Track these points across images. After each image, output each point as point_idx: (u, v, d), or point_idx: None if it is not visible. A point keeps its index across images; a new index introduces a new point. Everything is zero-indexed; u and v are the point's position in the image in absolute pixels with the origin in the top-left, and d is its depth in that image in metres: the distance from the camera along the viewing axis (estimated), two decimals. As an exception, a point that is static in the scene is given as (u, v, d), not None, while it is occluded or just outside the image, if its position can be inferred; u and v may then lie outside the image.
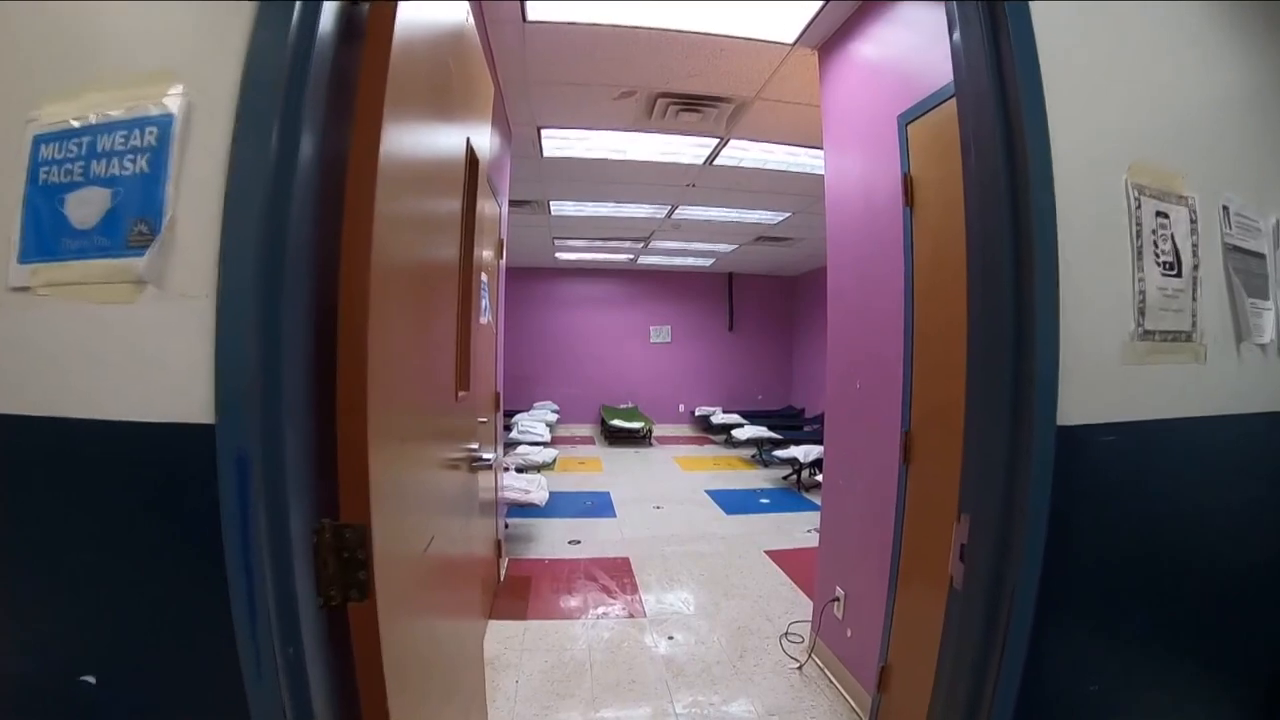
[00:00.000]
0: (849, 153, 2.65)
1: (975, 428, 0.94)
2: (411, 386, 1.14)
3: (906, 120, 2.22)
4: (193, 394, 0.85)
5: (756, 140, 4.18)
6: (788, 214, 6.19)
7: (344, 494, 0.95)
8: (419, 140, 1.16)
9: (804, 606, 3.38)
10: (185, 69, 0.91)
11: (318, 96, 0.89)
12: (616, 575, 3.85)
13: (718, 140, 4.18)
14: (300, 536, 0.88)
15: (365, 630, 0.99)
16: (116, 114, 0.92)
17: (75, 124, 0.93)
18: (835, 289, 2.71)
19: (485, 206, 2.96)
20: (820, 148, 4.28)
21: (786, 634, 3.06)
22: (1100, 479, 0.96)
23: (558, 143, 4.29)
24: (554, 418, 8.89)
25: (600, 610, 3.35)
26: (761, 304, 10.79)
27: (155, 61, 0.93)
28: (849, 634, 2.54)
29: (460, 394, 1.57)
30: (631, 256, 9.06)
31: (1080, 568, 0.96)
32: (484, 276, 2.83)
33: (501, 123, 3.67)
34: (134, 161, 0.92)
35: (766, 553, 4.29)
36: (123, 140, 0.93)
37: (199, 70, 0.90)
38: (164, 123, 0.91)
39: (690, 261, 9.45)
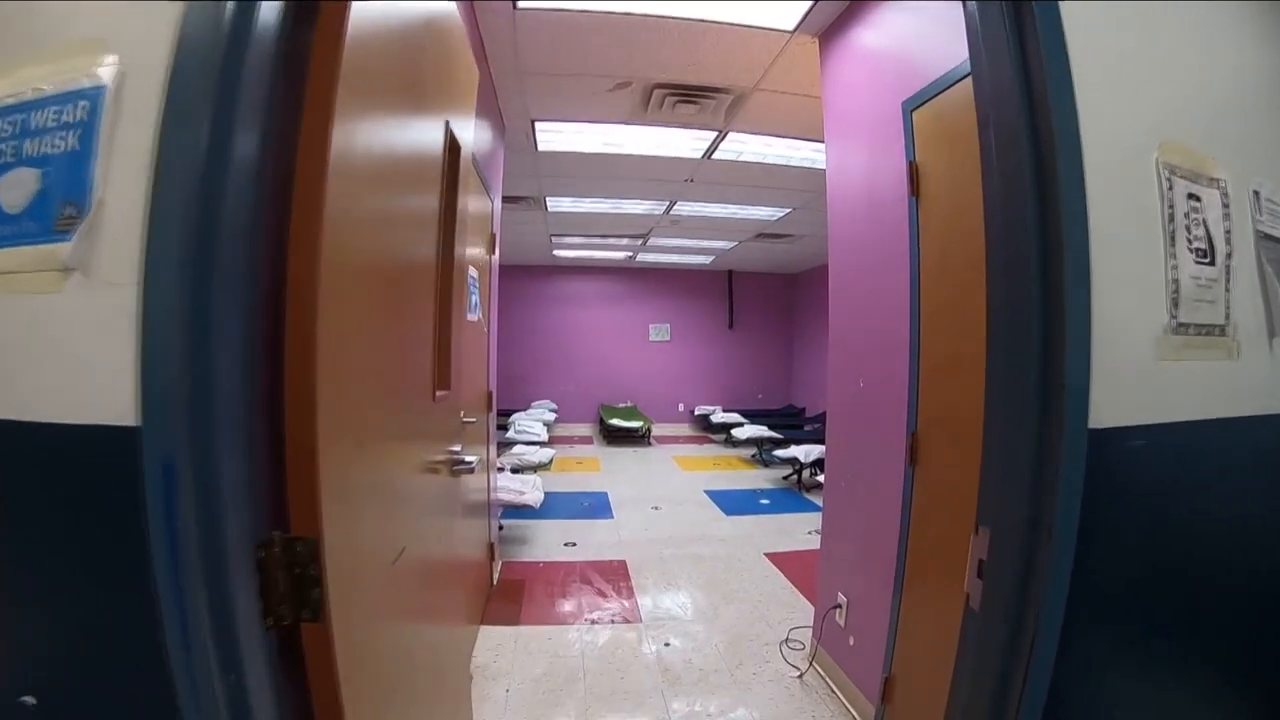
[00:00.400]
0: (851, 142, 2.56)
1: (996, 433, 0.85)
2: (375, 386, 1.05)
3: (911, 107, 2.12)
4: (119, 393, 0.76)
5: (756, 133, 4.08)
6: (788, 210, 6.10)
7: (293, 505, 0.86)
8: (385, 128, 1.07)
9: (805, 611, 3.29)
10: (118, 38, 0.82)
11: (260, 73, 0.80)
12: (612, 579, 3.76)
13: (716, 133, 4.08)
14: (239, 552, 0.79)
15: (320, 652, 0.90)
16: (49, 88, 0.84)
17: (10, 101, 0.85)
18: (837, 284, 2.61)
19: (475, 201, 2.87)
20: (821, 140, 4.21)
21: (787, 640, 2.97)
22: (1131, 488, 0.87)
23: (552, 136, 4.20)
24: (552, 417, 8.80)
25: (595, 615, 3.26)
26: (762, 302, 10.69)
27: (88, 30, 0.84)
28: (851, 642, 2.45)
29: (439, 394, 1.48)
30: (630, 254, 8.96)
31: (1109, 586, 0.86)
32: (473, 272, 2.74)
33: (494, 115, 3.58)
34: (64, 139, 0.83)
35: (766, 555, 4.20)
36: (55, 116, 0.84)
37: (133, 39, 0.82)
38: (95, 95, 0.82)
39: (689, 259, 9.36)
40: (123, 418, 0.76)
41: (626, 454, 8.17)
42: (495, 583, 3.63)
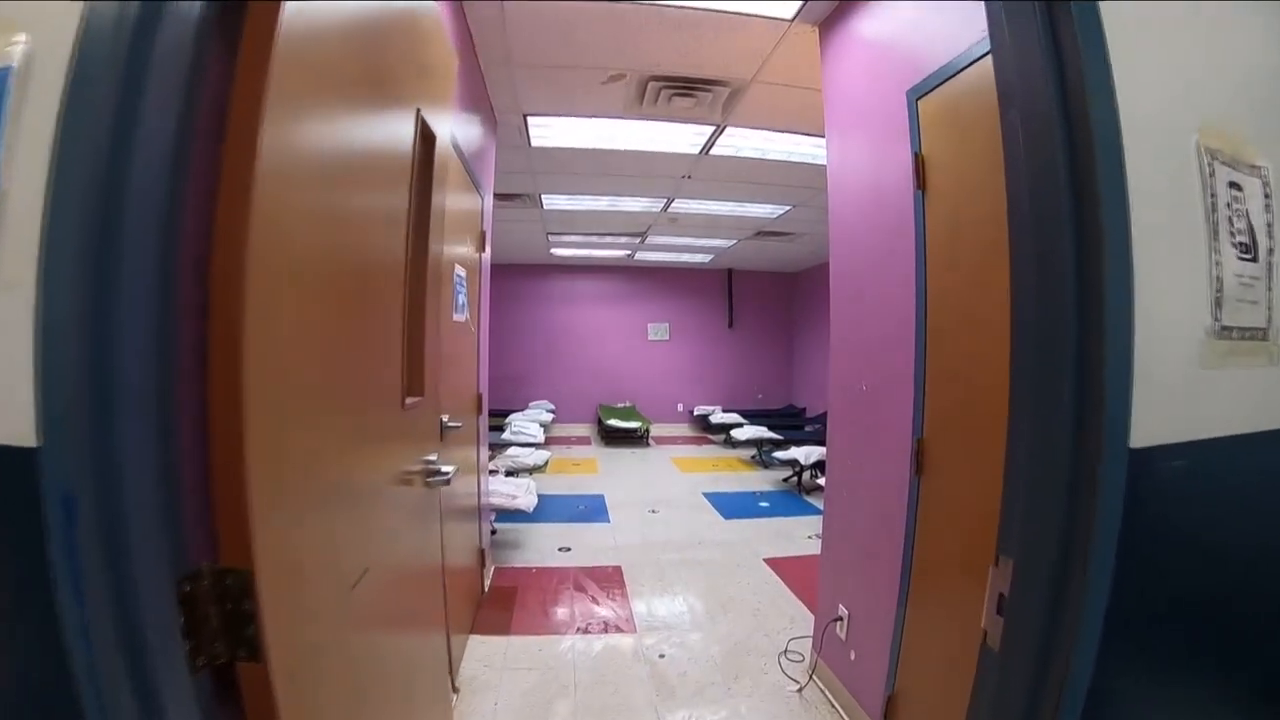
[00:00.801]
0: (852, 135, 2.46)
1: (1022, 453, 0.75)
2: (327, 396, 0.95)
3: (917, 95, 2.02)
4: (17, 409, 0.66)
5: (754, 128, 3.98)
6: (788, 207, 5.99)
7: (223, 534, 0.76)
8: (337, 115, 0.97)
9: (805, 621, 3.19)
10: (27, 15, 0.73)
11: (178, 54, 0.70)
12: (607, 586, 3.66)
13: (714, 128, 3.98)
14: (158, 588, 0.69)
15: (258, 694, 0.80)
16: (-40, 71, 0.74)
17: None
18: (838, 282, 2.51)
19: (463, 198, 2.77)
20: (822, 135, 4.10)
21: (786, 652, 2.87)
22: (1172, 513, 0.77)
23: (546, 131, 4.10)
24: (549, 417, 8.70)
25: (589, 624, 3.16)
26: (762, 301, 10.59)
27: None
28: (853, 656, 2.35)
29: (410, 401, 1.38)
30: (628, 252, 8.86)
31: (1147, 625, 0.76)
32: (460, 271, 2.64)
33: (484, 110, 3.48)
34: (-29, 125, 0.74)
35: (766, 561, 4.10)
36: (-35, 100, 0.74)
37: (43, 16, 0.72)
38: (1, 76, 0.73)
39: (688, 258, 9.25)
40: (23, 438, 0.66)
41: (624, 455, 8.07)
42: (486, 590, 3.54)
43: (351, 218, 1.04)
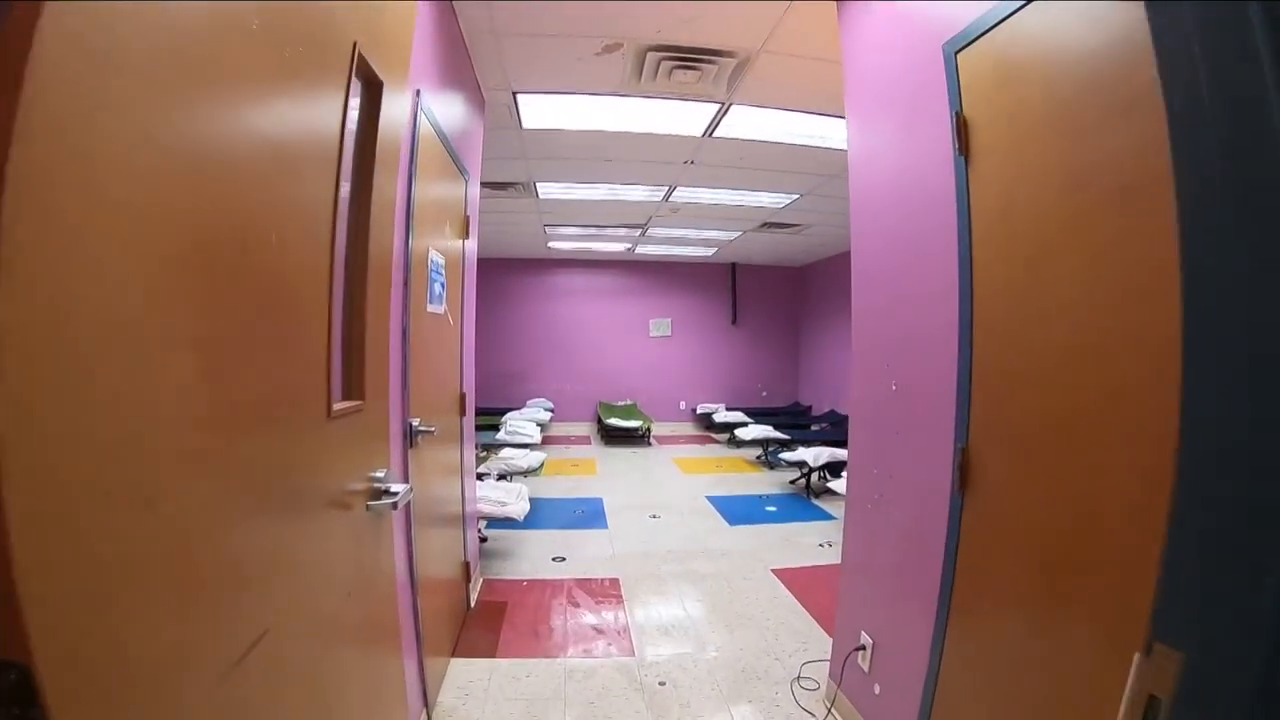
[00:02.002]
0: (877, 96, 2.17)
1: (1202, 501, 0.47)
2: (180, 409, 0.67)
3: (956, 48, 1.74)
4: None
5: (762, 106, 3.69)
6: (795, 196, 5.70)
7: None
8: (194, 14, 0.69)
9: (819, 641, 2.91)
10: None
11: None
12: (604, 601, 3.39)
13: (718, 106, 3.69)
14: None
15: None
16: None
17: None
18: (862, 268, 2.23)
19: (444, 180, 2.49)
20: (836, 115, 3.81)
21: (799, 678, 2.59)
22: None
23: (538, 111, 3.81)
24: (547, 416, 8.42)
25: (583, 646, 2.89)
26: (766, 296, 10.29)
27: None
28: (877, 690, 2.07)
29: (340, 407, 1.10)
30: (629, 245, 8.57)
31: None
32: (437, 256, 2.37)
33: (469, 87, 3.20)
34: None
35: (774, 571, 3.82)
36: None
37: None
38: None
39: (691, 251, 8.96)
40: None
41: (625, 455, 7.80)
42: (473, 605, 3.27)
43: (232, 168, 0.76)
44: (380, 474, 1.31)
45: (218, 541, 0.74)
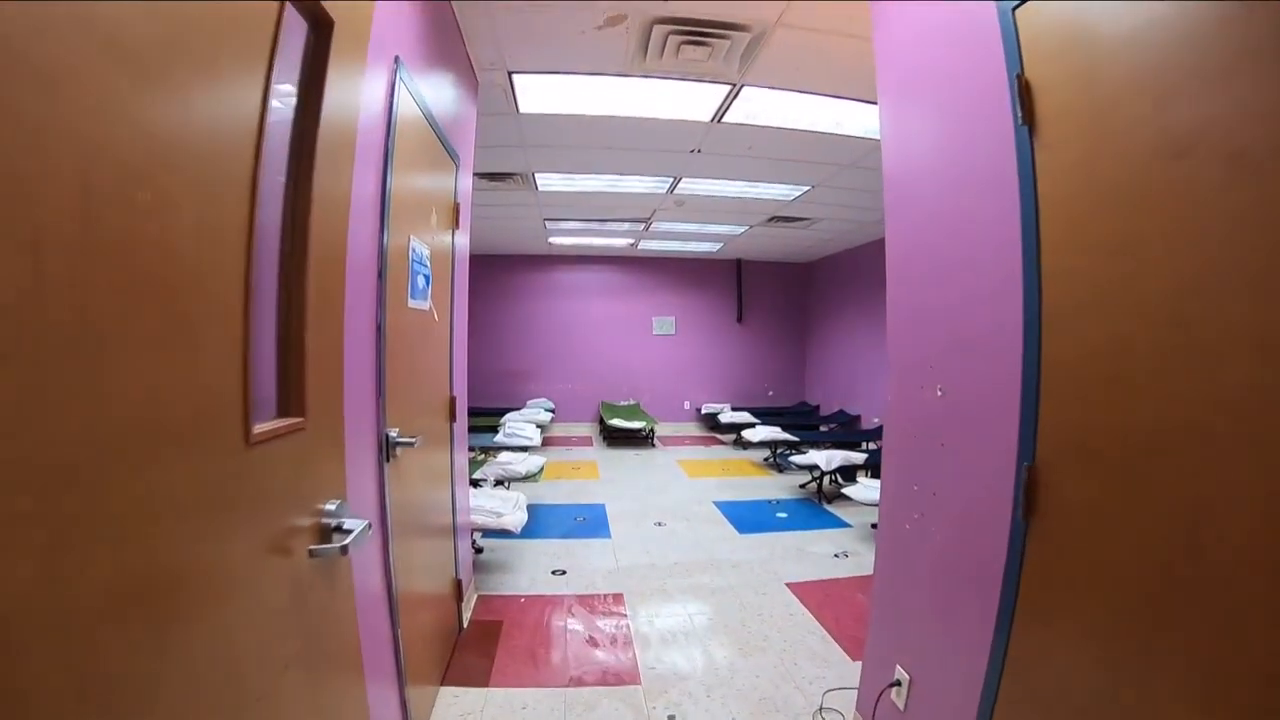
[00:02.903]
0: (914, 69, 1.91)
1: None
2: None
3: (1014, 4, 1.49)
4: None
5: (775, 88, 3.43)
6: (806, 188, 5.44)
7: None
8: None
9: (840, 665, 2.67)
10: None
11: None
12: (607, 620, 3.15)
13: (728, 88, 3.44)
14: None
15: None
16: None
17: None
18: (898, 257, 1.97)
19: (428, 160, 2.25)
20: (854, 99, 3.56)
21: (822, 709, 2.35)
22: None
23: (535, 94, 3.56)
24: (547, 417, 8.18)
25: (583, 673, 2.65)
26: (773, 293, 10.03)
27: None
28: (917, 736, 1.83)
29: (268, 428, 0.85)
30: (632, 241, 8.31)
31: None
32: (420, 247, 2.12)
33: (461, 65, 2.95)
34: None
35: (789, 586, 3.58)
36: None
37: None
38: None
39: (696, 246, 8.69)
40: None
41: (628, 457, 7.55)
42: (466, 625, 3.03)
43: (67, 74, 0.51)
44: (332, 505, 1.07)
45: (49, 657, 0.49)
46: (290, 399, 0.97)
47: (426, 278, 2.23)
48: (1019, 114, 1.47)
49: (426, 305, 2.24)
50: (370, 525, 1.08)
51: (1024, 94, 1.46)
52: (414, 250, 2.06)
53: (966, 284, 1.64)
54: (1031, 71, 1.46)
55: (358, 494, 1.48)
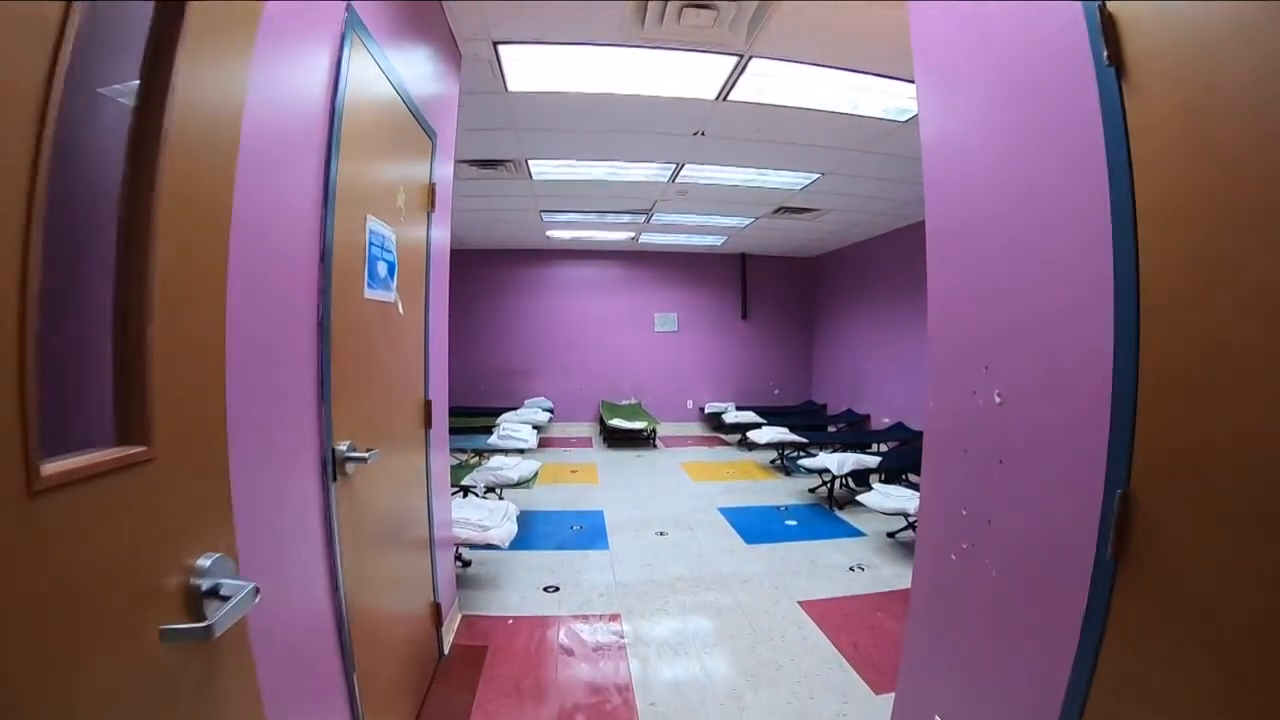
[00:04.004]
0: (956, 16, 1.61)
1: None
2: None
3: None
4: None
5: (786, 59, 3.13)
6: (816, 176, 5.14)
7: None
8: None
9: (862, 699, 2.39)
10: None
11: None
12: (602, 644, 2.86)
13: (735, 60, 3.13)
14: None
15: None
16: None
17: None
18: (940, 234, 1.67)
19: (399, 140, 1.95)
20: (873, 73, 3.26)
21: (844, 757, 2.06)
22: None
23: (525, 68, 3.27)
24: (545, 418, 7.90)
25: (575, 709, 2.36)
26: (778, 289, 9.72)
27: None
28: (965, 806, 1.53)
29: (82, 464, 0.57)
30: (632, 234, 8.01)
31: None
32: (380, 228, 1.83)
33: (440, 34, 2.66)
34: None
35: (801, 605, 3.28)
36: None
37: None
38: None
39: (699, 240, 8.38)
40: None
41: (628, 459, 7.26)
42: (447, 651, 2.74)
43: None
44: (205, 561, 0.78)
45: None
46: (132, 420, 0.69)
47: (391, 265, 1.94)
48: (1103, 52, 1.17)
49: (391, 296, 1.95)
50: (256, 589, 0.79)
51: (1108, 30, 1.16)
52: (373, 233, 1.77)
53: (1035, 262, 1.34)
54: (1116, 4, 1.17)
55: (271, 532, 1.19)
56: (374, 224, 1.78)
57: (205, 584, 0.79)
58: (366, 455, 1.60)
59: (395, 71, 1.99)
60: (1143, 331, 1.11)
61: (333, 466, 1.50)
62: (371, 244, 1.77)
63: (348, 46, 1.56)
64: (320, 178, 1.45)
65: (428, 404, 2.44)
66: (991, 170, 1.48)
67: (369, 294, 1.76)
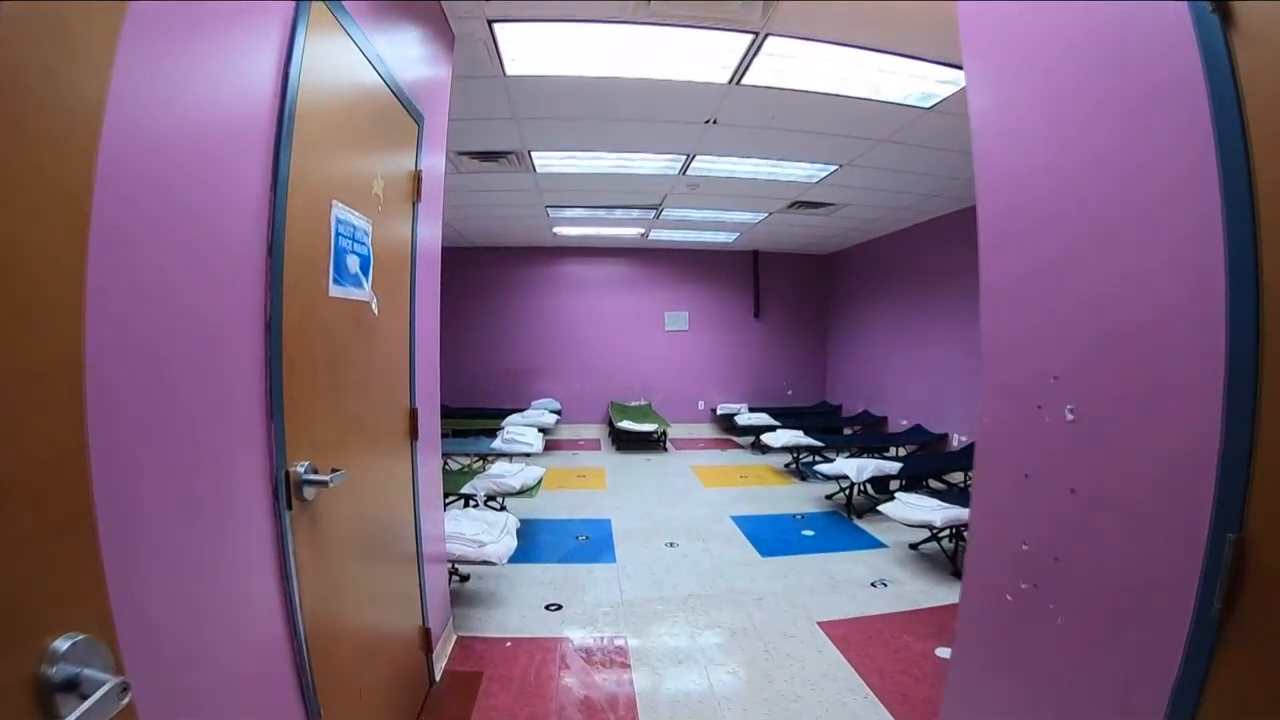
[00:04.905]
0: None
1: None
2: None
3: None
4: None
5: (805, 38, 2.89)
6: (832, 169, 4.89)
7: None
8: None
9: (895, 745, 2.15)
10: None
11: None
12: (608, 675, 2.64)
13: (750, 39, 2.90)
14: None
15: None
16: None
17: None
18: (993, 219, 1.44)
19: (375, 118, 1.73)
20: (899, 53, 3.01)
21: (875, 810, 1.83)
22: None
23: (524, 50, 3.05)
24: (552, 420, 7.70)
25: (574, 748, 2.15)
26: (792, 287, 9.45)
27: None
28: None
29: None
30: (641, 231, 7.78)
31: None
32: (351, 216, 1.63)
33: (430, 10, 2.46)
34: None
35: (821, 625, 3.05)
36: None
37: None
38: None
39: (710, 236, 8.14)
40: None
41: (638, 463, 7.04)
42: (439, 678, 2.54)
43: None
44: (63, 644, 0.57)
45: None
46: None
47: (364, 259, 1.73)
48: (1210, -8, 0.94)
49: (365, 295, 1.74)
50: (125, 686, 0.58)
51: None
52: (341, 221, 1.57)
53: (1120, 251, 1.10)
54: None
55: (186, 591, 0.98)
56: (342, 212, 1.58)
57: (59, 674, 0.58)
58: (329, 477, 1.39)
59: (373, 48, 1.78)
60: (1264, 337, 0.88)
61: (286, 492, 1.29)
62: (339, 234, 1.56)
63: (304, 19, 1.35)
64: (267, 159, 1.24)
65: (413, 413, 2.24)
66: (1059, 150, 1.25)
67: (335, 291, 1.55)
